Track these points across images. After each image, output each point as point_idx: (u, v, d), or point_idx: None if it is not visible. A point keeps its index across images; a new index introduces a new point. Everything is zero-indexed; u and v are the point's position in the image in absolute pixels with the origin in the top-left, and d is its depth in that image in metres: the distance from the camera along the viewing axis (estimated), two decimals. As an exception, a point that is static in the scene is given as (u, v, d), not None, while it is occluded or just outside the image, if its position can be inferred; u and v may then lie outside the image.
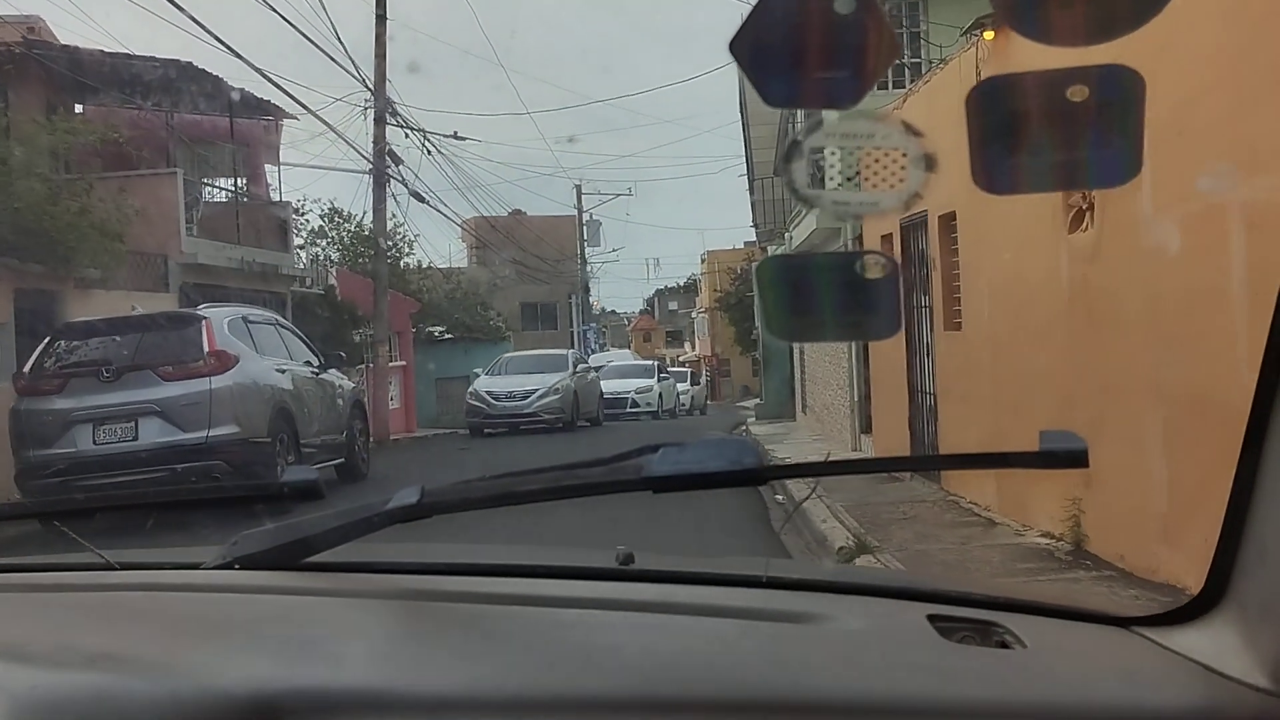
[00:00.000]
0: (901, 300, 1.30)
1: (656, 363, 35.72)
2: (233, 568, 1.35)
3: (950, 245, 9.38)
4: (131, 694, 0.90)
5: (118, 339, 10.12)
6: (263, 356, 10.92)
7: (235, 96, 18.16)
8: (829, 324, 1.12)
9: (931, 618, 1.21)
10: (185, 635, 1.14)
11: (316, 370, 12.15)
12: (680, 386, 36.63)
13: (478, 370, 24.77)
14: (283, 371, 11.10)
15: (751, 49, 0.92)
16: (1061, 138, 0.94)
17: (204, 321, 10.21)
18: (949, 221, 9.30)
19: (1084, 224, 6.72)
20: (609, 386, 28.66)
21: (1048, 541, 7.28)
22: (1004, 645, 1.16)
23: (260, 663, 1.02)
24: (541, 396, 22.72)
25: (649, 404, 30.94)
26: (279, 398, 10.71)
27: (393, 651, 1.11)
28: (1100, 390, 6.52)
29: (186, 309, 11.10)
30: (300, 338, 12.72)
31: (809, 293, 1.07)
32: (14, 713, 0.83)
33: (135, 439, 9.61)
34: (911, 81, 12.81)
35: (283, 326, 12.22)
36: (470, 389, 23.69)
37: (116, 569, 1.40)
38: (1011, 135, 0.94)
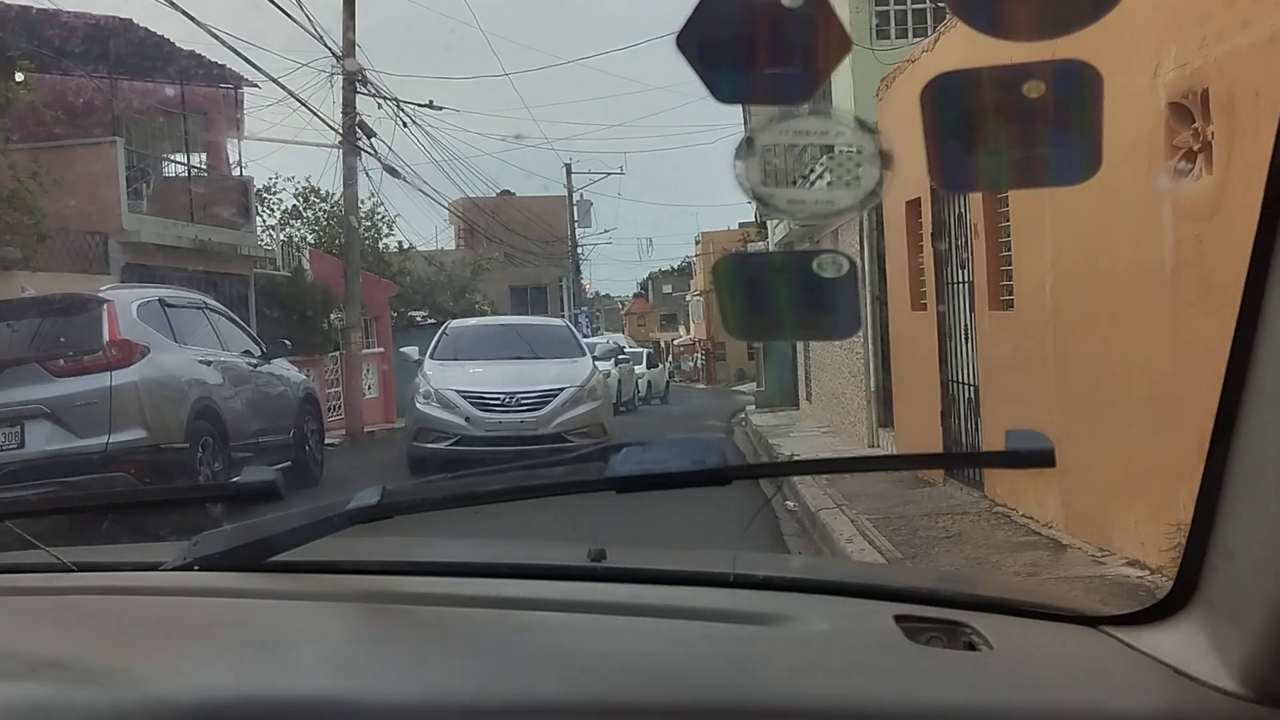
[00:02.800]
0: (860, 299, 1.19)
1: (616, 342, 28.36)
2: (192, 569, 1.33)
3: (998, 207, 7.84)
4: (70, 704, 0.87)
5: (2, 326, 8.51)
6: (183, 346, 9.25)
7: (185, 59, 16.54)
8: (786, 324, 1.12)
9: (899, 618, 1.21)
10: (137, 640, 1.11)
11: (256, 361, 10.53)
12: (635, 370, 30.87)
13: (409, 348, 14.03)
14: (208, 363, 9.45)
15: (699, 44, 0.91)
16: (1019, 135, 0.93)
17: (106, 305, 8.54)
18: (996, 179, 7.76)
19: (1195, 169, 5.18)
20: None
21: (1139, 574, 5.79)
22: (971, 647, 1.16)
23: (211, 669, 1.00)
24: (570, 405, 12.28)
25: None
26: (202, 395, 9.05)
27: (348, 656, 1.10)
28: (1216, 388, 4.98)
29: (86, 291, 9.43)
30: (237, 323, 11.10)
31: (766, 292, 1.07)
32: None
33: (21, 446, 7.97)
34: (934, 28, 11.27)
35: (213, 310, 10.55)
36: (419, 385, 12.55)
37: (72, 570, 1.35)
38: (969, 132, 0.92)
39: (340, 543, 1.44)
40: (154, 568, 1.37)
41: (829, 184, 0.98)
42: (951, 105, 0.91)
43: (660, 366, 34.42)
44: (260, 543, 1.30)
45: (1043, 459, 1.14)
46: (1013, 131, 0.91)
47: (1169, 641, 1.08)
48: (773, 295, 1.05)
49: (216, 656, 1.05)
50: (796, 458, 6.03)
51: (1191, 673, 1.02)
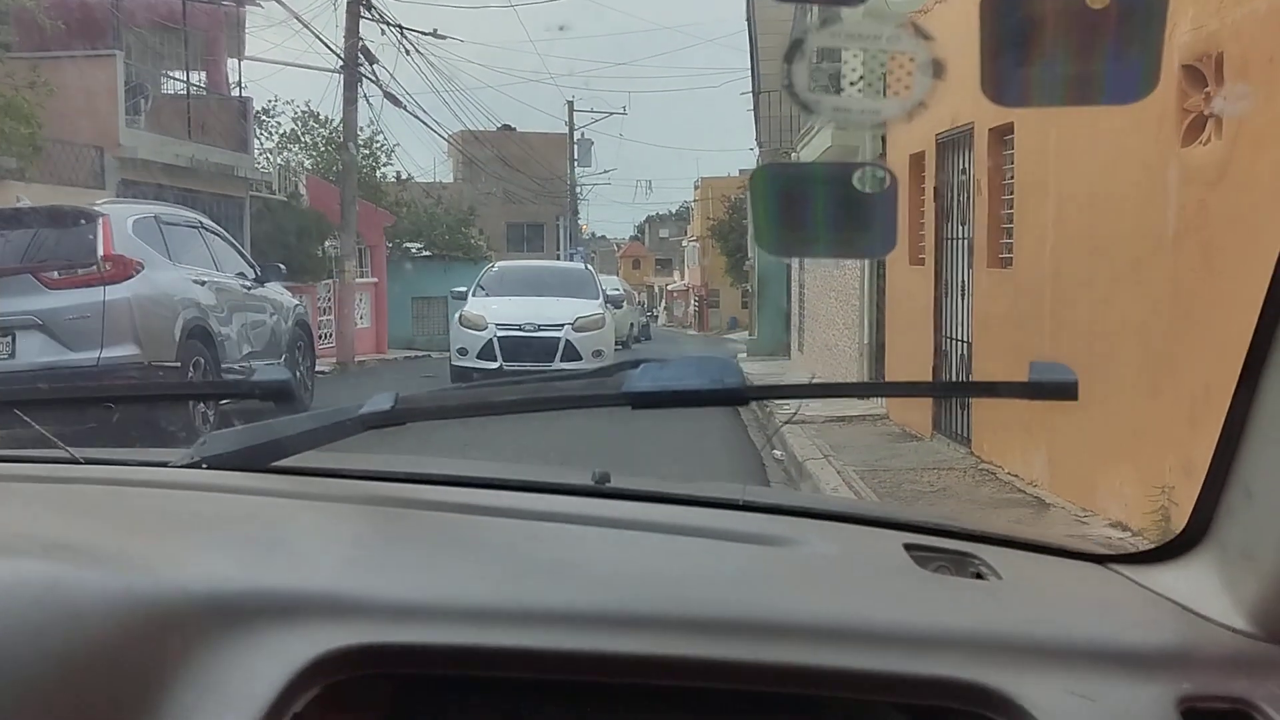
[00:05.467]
0: (898, 215, 1.05)
1: (589, 267, 20.34)
2: (200, 467, 1.31)
3: (1002, 164, 7.80)
4: (85, 584, 0.85)
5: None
6: (177, 264, 9.16)
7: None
8: (822, 240, 1.08)
9: (907, 546, 1.20)
10: (147, 531, 1.08)
11: (250, 284, 10.47)
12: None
13: None
14: (202, 283, 9.39)
15: None
16: (1077, 46, 0.90)
17: (101, 219, 8.45)
18: (1003, 136, 7.71)
19: (1205, 134, 5.15)
20: (507, 312, 14.82)
21: (1121, 536, 5.84)
22: (980, 577, 1.15)
23: (222, 561, 0.98)
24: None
25: (597, 351, 15.04)
26: (194, 314, 9.00)
27: (359, 556, 1.09)
28: (1212, 355, 5.00)
29: (82, 204, 9.34)
30: (232, 244, 11.01)
31: (804, 205, 1.03)
32: None
33: (11, 356, 7.91)
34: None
35: (209, 230, 10.45)
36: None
37: (81, 463, 1.35)
38: (1025, 43, 0.90)
39: (348, 454, 1.42)
40: (162, 465, 1.36)
41: (877, 92, 0.95)
42: (1010, 12, 0.89)
43: (626, 307, 29.52)
44: (271, 444, 1.28)
45: (1065, 391, 1.12)
46: (1071, 42, 0.88)
47: (1179, 580, 1.09)
48: (810, 209, 1.01)
49: (227, 549, 1.04)
50: (817, 380, 6.03)
51: (1202, 611, 1.03)
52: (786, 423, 9.32)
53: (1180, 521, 4.76)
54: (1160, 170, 5.44)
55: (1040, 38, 0.89)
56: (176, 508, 1.20)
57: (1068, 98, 0.94)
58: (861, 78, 0.96)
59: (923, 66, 0.95)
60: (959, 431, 8.72)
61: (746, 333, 29.97)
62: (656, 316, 50.09)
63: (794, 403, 11.39)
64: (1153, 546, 1.17)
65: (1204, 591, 1.04)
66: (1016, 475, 7.43)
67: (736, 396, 1.20)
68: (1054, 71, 0.90)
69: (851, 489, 7.27)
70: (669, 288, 65.15)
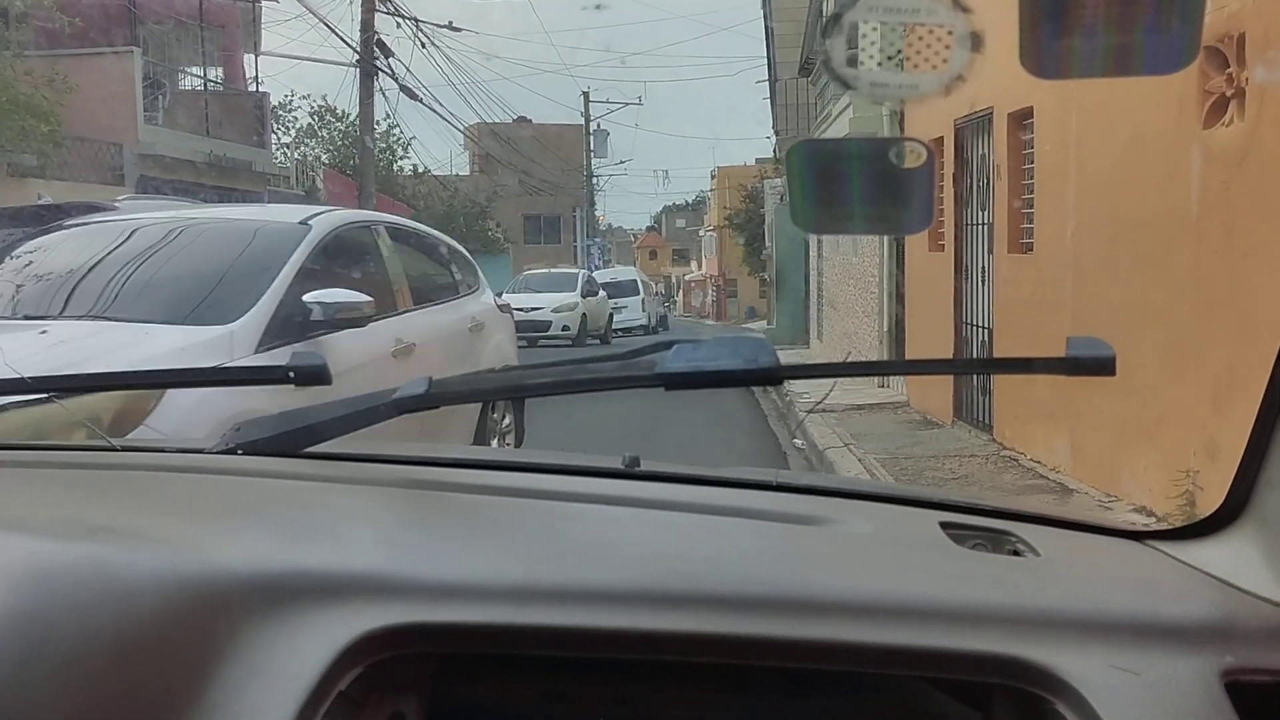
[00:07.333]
0: (935, 190, 1.21)
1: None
2: (235, 453, 1.32)
3: (1022, 149, 7.76)
4: (133, 565, 0.86)
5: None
6: (198, 260, 9.25)
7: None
8: (858, 216, 1.06)
9: (943, 525, 1.20)
10: (188, 514, 1.10)
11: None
12: (624, 301, 30.23)
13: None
14: (222, 278, 9.43)
15: None
16: (1118, 16, 0.90)
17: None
18: (1022, 120, 7.67)
19: (1227, 116, 5.10)
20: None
21: (1145, 521, 5.81)
22: (1016, 554, 1.16)
23: (263, 543, 0.99)
24: None
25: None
26: (215, 308, 9.07)
27: (397, 537, 1.10)
28: (1235, 337, 4.97)
29: (102, 201, 9.37)
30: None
31: (841, 180, 1.02)
32: (11, 579, 0.77)
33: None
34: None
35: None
36: None
37: (119, 450, 1.37)
38: (1065, 14, 0.89)
39: (380, 441, 1.43)
40: (198, 451, 1.37)
41: (915, 66, 0.94)
42: None
43: (599, 294, 28.16)
44: (305, 430, 1.29)
45: (1103, 366, 1.11)
46: (1112, 12, 0.87)
47: (1218, 555, 1.09)
48: (847, 185, 0.99)
49: (268, 531, 1.05)
50: (851, 358, 6.00)
51: (1242, 585, 1.03)
52: (811, 411, 9.31)
53: (1205, 505, 4.77)
54: (1182, 153, 5.40)
55: (1080, 8, 0.87)
56: (215, 492, 1.21)
57: (1108, 68, 0.93)
58: (898, 51, 0.94)
59: (960, 39, 0.93)
60: (980, 418, 8.69)
61: (765, 322, 29.96)
62: (674, 307, 50.24)
63: (816, 393, 11.37)
64: (1189, 523, 1.17)
65: (1243, 565, 1.04)
66: (1039, 461, 7.40)
67: (770, 376, 1.18)
68: (1094, 42, 0.89)
69: (873, 477, 7.26)
70: (686, 278, 65.11)
